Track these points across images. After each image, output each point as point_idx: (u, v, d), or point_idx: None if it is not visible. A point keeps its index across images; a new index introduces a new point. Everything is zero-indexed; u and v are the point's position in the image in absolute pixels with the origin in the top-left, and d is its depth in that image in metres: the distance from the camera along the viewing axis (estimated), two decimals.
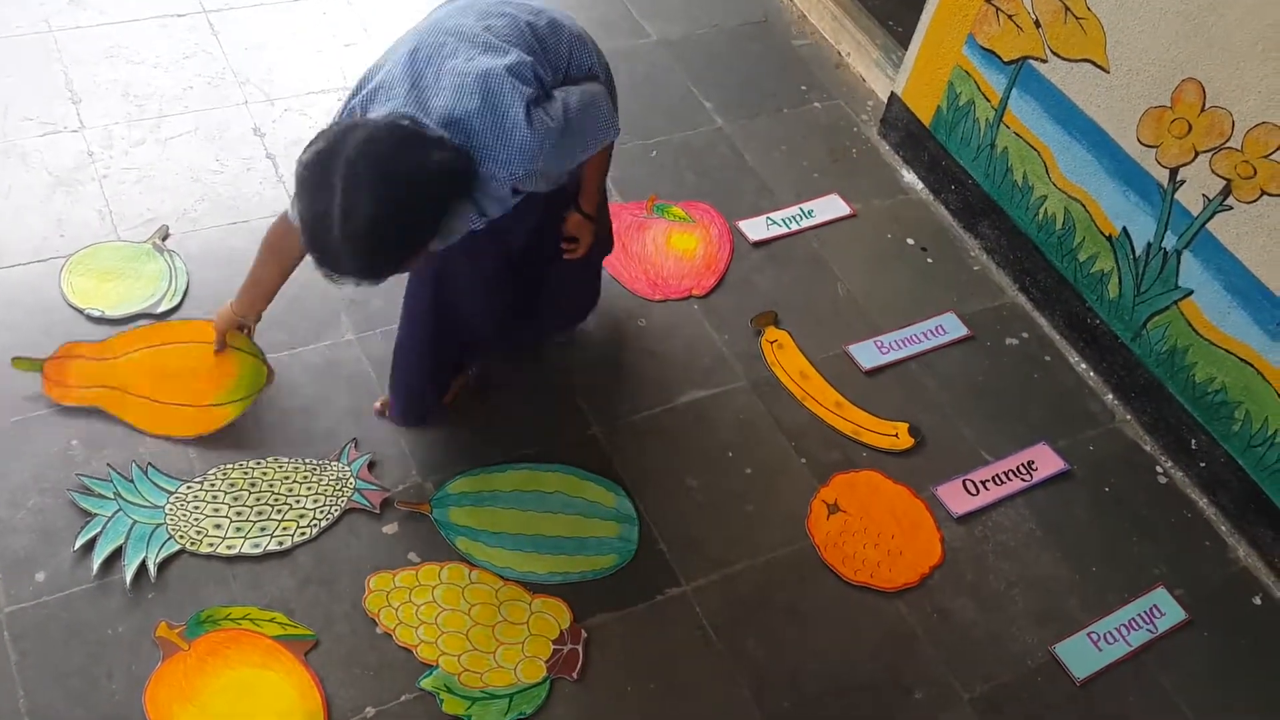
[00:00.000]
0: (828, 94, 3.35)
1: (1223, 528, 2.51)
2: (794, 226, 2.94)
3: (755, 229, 2.91)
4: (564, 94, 1.86)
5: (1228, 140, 2.27)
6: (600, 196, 2.24)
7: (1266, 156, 2.20)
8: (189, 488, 2.20)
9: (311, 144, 1.69)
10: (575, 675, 2.07)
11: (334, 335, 2.49)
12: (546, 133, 1.78)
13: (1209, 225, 2.36)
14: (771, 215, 2.96)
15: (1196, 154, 2.34)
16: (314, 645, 2.03)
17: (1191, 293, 2.44)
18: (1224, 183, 2.30)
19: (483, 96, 1.74)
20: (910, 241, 2.99)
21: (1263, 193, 2.23)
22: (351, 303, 2.55)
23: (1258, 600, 2.41)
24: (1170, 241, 2.45)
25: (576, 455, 2.38)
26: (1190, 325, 2.46)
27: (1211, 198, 2.33)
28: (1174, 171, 2.40)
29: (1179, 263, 2.45)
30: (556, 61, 1.91)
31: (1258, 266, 2.28)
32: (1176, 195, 2.40)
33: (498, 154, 1.75)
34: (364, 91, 1.81)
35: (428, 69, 1.77)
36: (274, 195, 2.74)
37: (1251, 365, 2.35)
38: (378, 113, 1.74)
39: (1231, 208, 2.30)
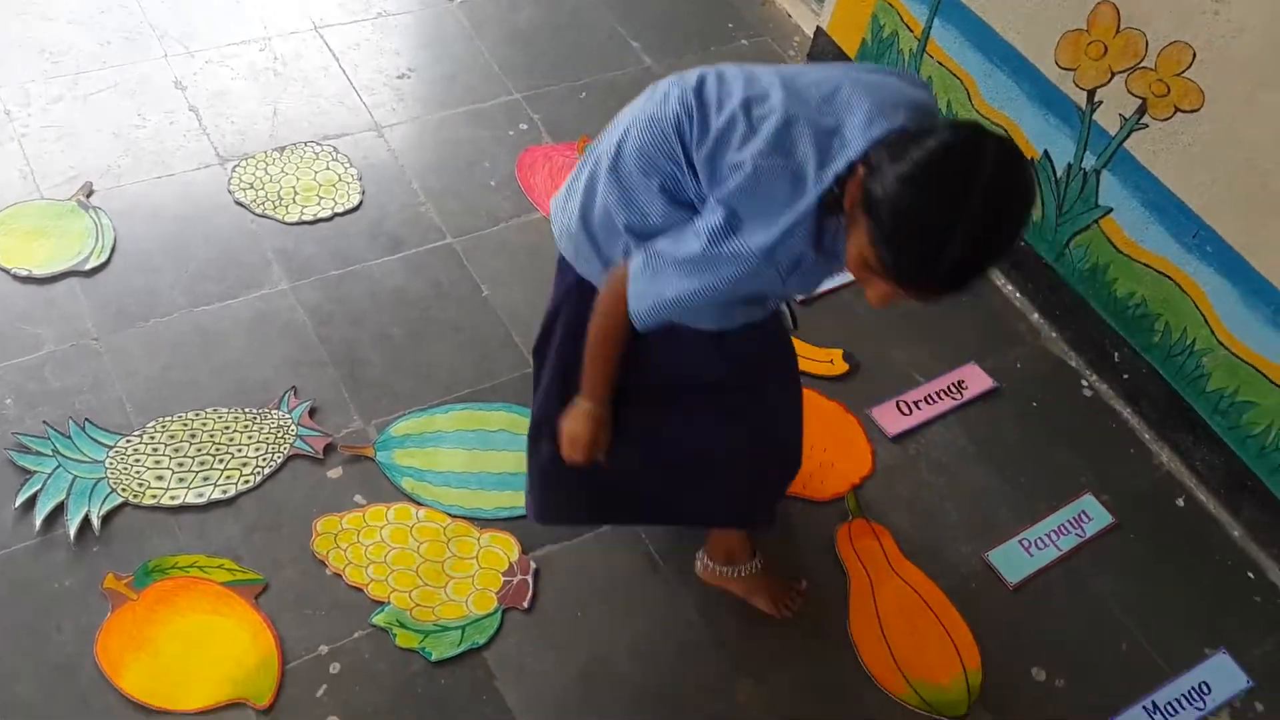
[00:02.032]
0: (754, 30, 3.37)
1: (1146, 435, 2.60)
2: None
3: None
4: None
5: (1142, 60, 2.33)
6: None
7: (1179, 74, 2.26)
8: (128, 441, 2.19)
9: (920, 144, 1.30)
10: (526, 605, 2.11)
11: (267, 285, 2.48)
12: None
13: (1126, 144, 2.42)
14: None
15: (1113, 75, 2.40)
16: (264, 589, 2.05)
17: (1111, 211, 2.51)
18: (1139, 102, 2.36)
19: None
20: None
21: (1176, 110, 2.30)
22: (282, 252, 2.54)
23: (1180, 503, 2.50)
24: (1090, 162, 2.52)
25: (519, 394, 2.40)
26: (1110, 242, 2.53)
27: (1128, 117, 2.39)
28: (1092, 93, 2.46)
29: (1098, 182, 2.51)
30: None
31: (1173, 182, 2.35)
32: (1095, 116, 2.47)
33: None
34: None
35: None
36: (198, 148, 2.71)
37: (1170, 278, 2.43)
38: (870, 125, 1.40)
39: (1147, 126, 2.37)
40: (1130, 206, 2.46)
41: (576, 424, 1.76)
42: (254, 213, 2.60)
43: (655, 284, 1.52)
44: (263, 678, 1.94)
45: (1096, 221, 2.55)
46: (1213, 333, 2.39)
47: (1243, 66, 2.13)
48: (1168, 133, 2.32)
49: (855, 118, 1.41)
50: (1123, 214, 2.48)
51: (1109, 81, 2.40)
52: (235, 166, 2.69)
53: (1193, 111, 2.26)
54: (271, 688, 1.93)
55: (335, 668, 1.98)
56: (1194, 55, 2.22)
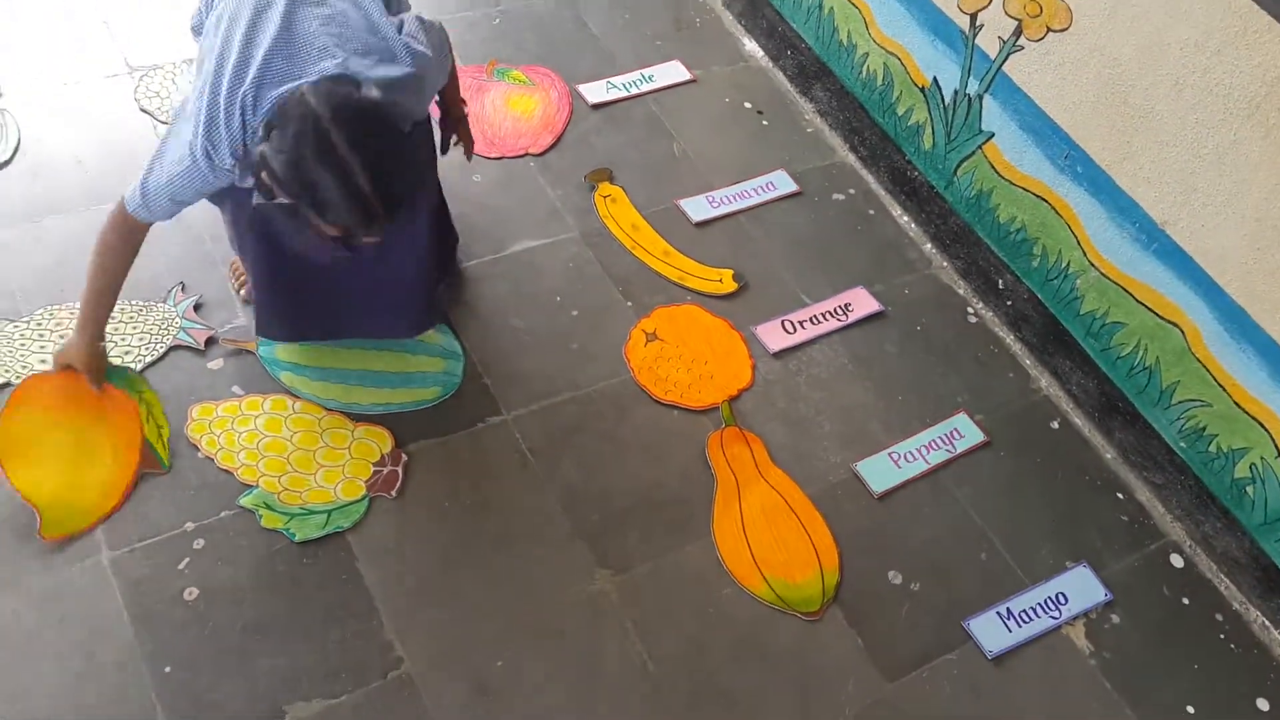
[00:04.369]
0: None
1: (1027, 361, 2.66)
2: (634, 90, 3.02)
3: (595, 92, 2.98)
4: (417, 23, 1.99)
5: None
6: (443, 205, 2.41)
7: None
8: (15, 327, 2.24)
9: (276, 138, 1.69)
10: (394, 494, 2.16)
11: None
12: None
13: (1005, 67, 2.47)
14: (612, 80, 3.03)
15: None
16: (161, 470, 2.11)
17: (993, 135, 2.56)
18: (1015, 23, 2.41)
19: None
20: (748, 105, 3.08)
21: (1048, 30, 2.35)
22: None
23: (1055, 425, 2.56)
24: (973, 87, 2.57)
25: None
26: (993, 167, 2.59)
27: (1006, 39, 2.44)
28: (974, 17, 2.51)
29: (981, 107, 2.57)
30: None
31: (1046, 102, 2.41)
32: (977, 40, 2.52)
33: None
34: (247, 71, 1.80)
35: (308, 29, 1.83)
36: (109, 58, 2.76)
37: (1046, 201, 2.49)
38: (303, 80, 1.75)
39: (1023, 48, 2.42)
40: (1009, 130, 2.51)
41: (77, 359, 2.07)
42: (158, 119, 2.65)
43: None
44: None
45: (980, 147, 2.60)
46: (1085, 254, 2.44)
47: None
48: (1041, 53, 2.38)
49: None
50: (1003, 138, 2.54)
51: (989, 4, 2.45)
52: (143, 76, 2.73)
53: (1062, 31, 2.31)
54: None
55: (199, 543, 2.04)
56: None
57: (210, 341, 2.30)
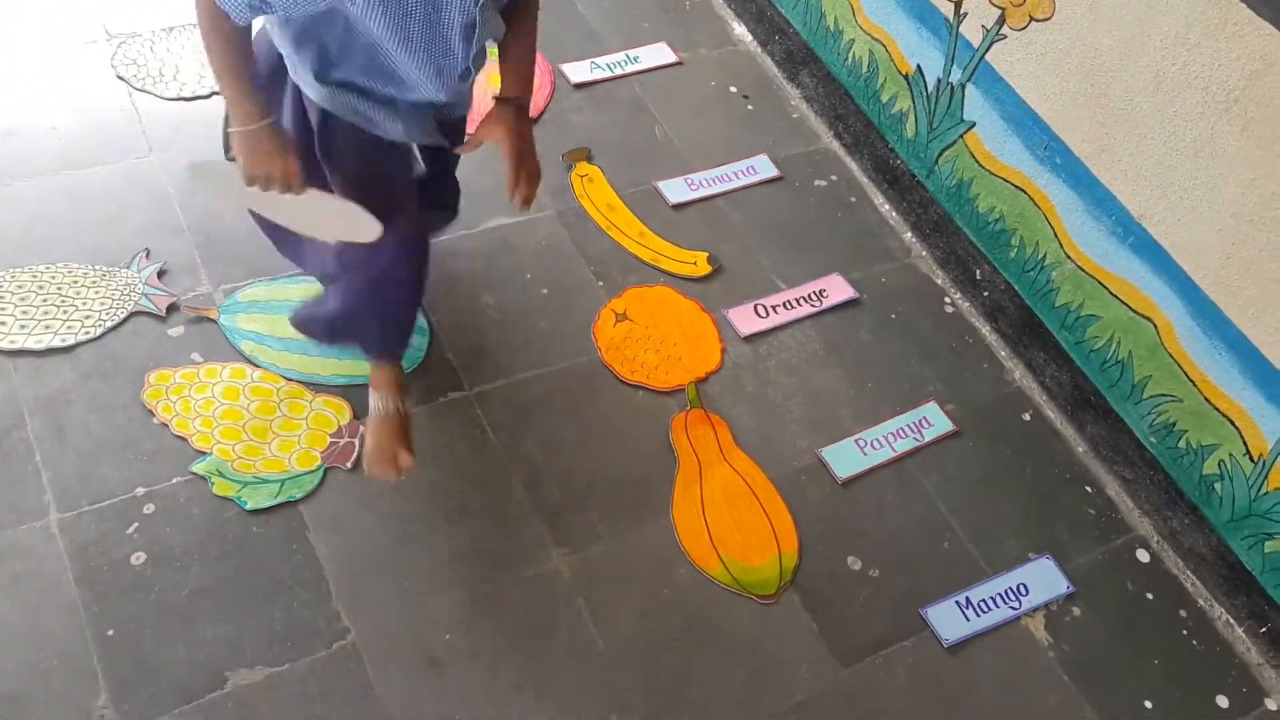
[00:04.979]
0: None
1: (1002, 352, 2.63)
2: (618, 71, 2.99)
3: (578, 72, 2.96)
4: None
5: None
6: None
7: None
8: None
9: None
10: (349, 465, 2.14)
11: (136, 155, 2.51)
12: None
13: (988, 56, 2.44)
14: (596, 60, 3.00)
15: None
16: None
17: (974, 125, 2.53)
18: (999, 11, 2.38)
19: None
20: (733, 89, 3.05)
21: (1031, 19, 2.32)
22: (156, 125, 2.57)
23: (1027, 417, 2.53)
24: (956, 75, 2.54)
25: None
26: (974, 157, 2.55)
27: (989, 28, 2.41)
28: (958, 4, 2.47)
29: (964, 96, 2.53)
30: None
31: (1027, 92, 2.37)
32: (960, 28, 2.49)
33: None
34: None
35: None
36: (87, 25, 2.75)
37: (1024, 192, 2.46)
38: None
39: (1006, 36, 2.38)
40: (991, 120, 2.48)
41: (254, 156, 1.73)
42: (134, 86, 2.64)
43: None
44: None
45: (961, 136, 2.57)
46: (1061, 246, 2.41)
47: None
48: (1023, 43, 2.34)
49: None
50: (984, 127, 2.51)
51: None
52: (121, 43, 2.72)
53: (1045, 20, 2.28)
54: None
55: (149, 509, 2.02)
56: None
57: (172, 308, 2.28)
